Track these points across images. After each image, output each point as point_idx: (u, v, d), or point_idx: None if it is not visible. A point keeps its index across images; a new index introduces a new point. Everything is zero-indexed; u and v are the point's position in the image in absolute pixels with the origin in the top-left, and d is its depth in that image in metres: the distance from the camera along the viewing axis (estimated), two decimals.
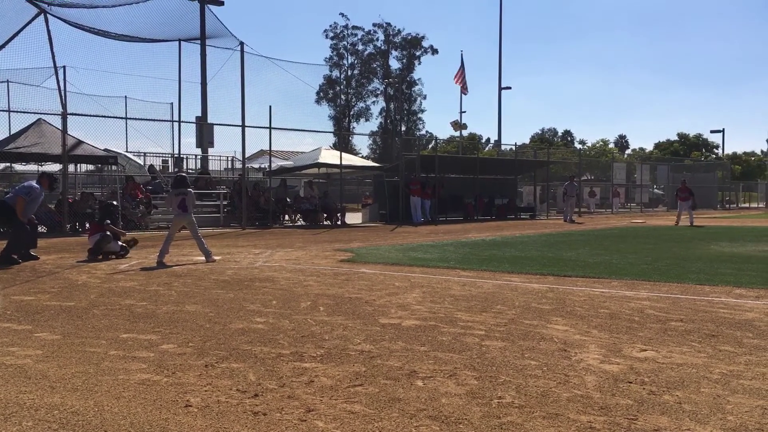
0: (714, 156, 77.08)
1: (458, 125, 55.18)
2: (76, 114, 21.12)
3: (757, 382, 4.13)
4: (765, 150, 70.34)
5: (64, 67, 20.43)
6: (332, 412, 3.63)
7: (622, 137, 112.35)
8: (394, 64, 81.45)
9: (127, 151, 26.74)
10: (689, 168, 55.96)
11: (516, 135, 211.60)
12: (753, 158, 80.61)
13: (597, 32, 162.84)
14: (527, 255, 12.85)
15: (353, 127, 79.12)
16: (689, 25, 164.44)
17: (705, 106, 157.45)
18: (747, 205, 59.62)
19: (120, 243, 12.60)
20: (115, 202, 15.00)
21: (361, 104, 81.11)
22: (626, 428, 3.36)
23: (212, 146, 28.15)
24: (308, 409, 3.68)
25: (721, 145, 77.71)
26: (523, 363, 4.64)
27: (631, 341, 5.28)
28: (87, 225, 18.24)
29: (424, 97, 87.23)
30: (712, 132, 77.46)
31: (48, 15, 19.72)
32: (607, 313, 6.47)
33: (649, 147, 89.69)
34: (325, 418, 3.52)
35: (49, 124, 21.44)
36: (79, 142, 21.54)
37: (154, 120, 26.93)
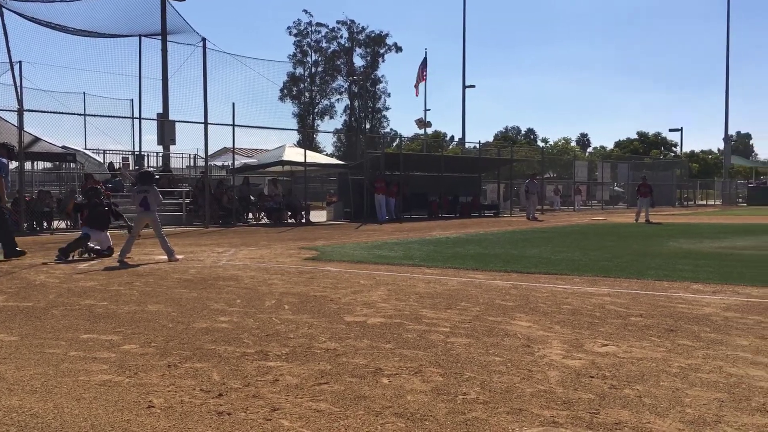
0: (672, 154, 78.66)
1: (423, 123, 55.46)
2: (32, 110, 20.64)
3: (714, 375, 4.23)
4: (721, 148, 71.93)
5: (20, 62, 19.99)
6: (297, 410, 3.62)
7: (583, 136, 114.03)
8: (359, 62, 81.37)
9: (86, 149, 26.25)
10: (649, 166, 57.02)
11: (480, 133, 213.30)
12: (710, 156, 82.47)
13: (560, 33, 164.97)
14: (491, 252, 12.97)
15: (317, 125, 78.82)
16: (651, 27, 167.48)
17: (664, 106, 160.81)
18: (704, 202, 60.97)
19: (109, 244, 12.28)
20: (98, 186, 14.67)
21: (326, 102, 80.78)
22: (588, 422, 3.41)
23: (174, 143, 27.82)
24: (273, 408, 3.65)
25: (679, 144, 79.42)
26: (488, 359, 4.68)
27: (592, 336, 5.37)
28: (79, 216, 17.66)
29: (389, 95, 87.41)
30: (670, 131, 79.00)
31: (3, 9, 19.24)
32: (570, 309, 6.56)
33: (609, 145, 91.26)
34: (290, 417, 3.50)
35: (5, 120, 20.92)
36: (36, 139, 21.08)
37: (113, 117, 26.49)
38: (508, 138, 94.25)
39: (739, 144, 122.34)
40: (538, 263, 10.78)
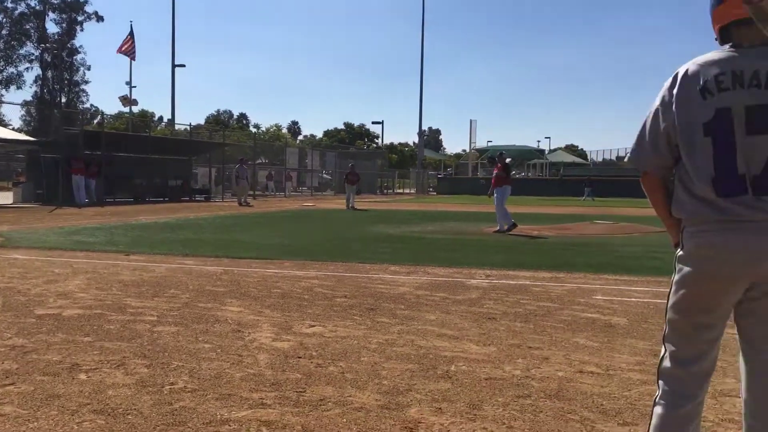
0: (375, 145, 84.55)
1: (128, 101, 52.06)
2: None
3: (407, 349, 4.65)
4: (416, 142, 79.21)
5: None
6: None
7: (294, 123, 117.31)
8: (52, 28, 73.55)
9: None
10: (354, 155, 60.57)
11: (191, 115, 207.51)
12: (407, 149, 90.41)
13: (272, 19, 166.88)
14: (202, 237, 12.72)
15: (2, 95, 69.72)
16: (358, 22, 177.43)
17: (368, 99, 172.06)
18: (401, 191, 66.67)
19: None
20: None
21: (12, 70, 71.65)
22: (295, 401, 3.53)
23: None
24: None
25: (380, 136, 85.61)
26: (197, 347, 4.58)
27: (301, 318, 5.56)
28: None
29: (89, 68, 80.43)
30: (373, 123, 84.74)
31: None
32: (280, 293, 6.72)
33: (319, 134, 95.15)
34: None
35: None
36: None
37: None
38: (220, 122, 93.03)
39: (431, 138, 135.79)
40: (249, 248, 10.84)
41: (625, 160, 2.38)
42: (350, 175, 27.95)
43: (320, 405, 3.48)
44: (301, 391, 3.69)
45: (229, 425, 3.18)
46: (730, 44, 2.21)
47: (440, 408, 3.47)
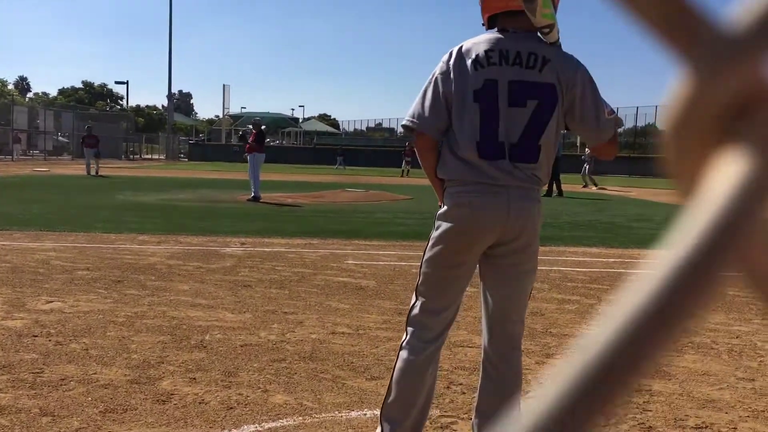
0: (119, 107, 79.03)
1: None
2: None
3: (158, 320, 4.48)
4: (166, 105, 75.48)
5: None
6: None
7: (23, 79, 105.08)
8: None
9: None
10: (95, 117, 56.05)
11: None
12: (155, 112, 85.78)
13: None
14: None
15: None
16: None
17: (110, 57, 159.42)
18: (150, 156, 63.25)
19: None
20: None
21: None
22: (32, 383, 3.23)
23: None
24: None
25: (125, 97, 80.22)
26: None
27: (36, 294, 5.07)
28: None
29: None
30: (116, 83, 79.10)
31: None
32: (10, 267, 6.05)
33: (53, 93, 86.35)
34: None
35: None
36: None
37: None
38: None
39: (181, 102, 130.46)
40: None
41: (404, 122, 2.52)
42: (88, 138, 25.73)
43: (61, 385, 3.23)
44: (38, 372, 3.39)
45: None
46: (497, 29, 2.47)
47: (194, 378, 3.41)
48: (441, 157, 2.46)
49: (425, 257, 2.48)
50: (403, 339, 2.51)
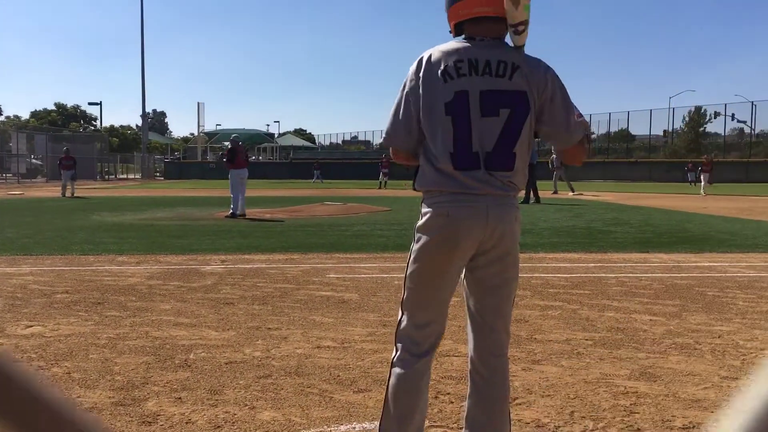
0: (93, 128, 78.30)
1: None
2: None
3: (141, 341, 4.43)
4: (140, 124, 74.97)
5: None
6: None
7: None
8: None
9: None
10: (68, 139, 55.48)
11: None
12: (129, 132, 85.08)
13: None
14: None
15: None
16: None
17: (83, 78, 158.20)
18: (125, 176, 62.68)
19: None
20: None
21: None
22: None
23: None
24: None
25: (99, 118, 79.48)
26: None
27: (15, 319, 4.99)
28: None
29: None
30: (90, 104, 78.53)
31: None
32: None
33: (25, 115, 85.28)
34: None
35: None
36: None
37: None
38: None
39: (156, 121, 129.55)
40: None
41: (381, 141, 2.55)
42: (65, 160, 25.51)
43: None
44: None
45: None
46: (464, 37, 2.45)
47: (180, 398, 3.37)
48: (419, 169, 2.46)
49: (408, 271, 2.47)
50: (393, 355, 2.50)
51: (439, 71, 2.38)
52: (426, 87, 2.39)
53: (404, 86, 2.46)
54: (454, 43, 2.46)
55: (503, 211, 2.37)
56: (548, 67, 2.45)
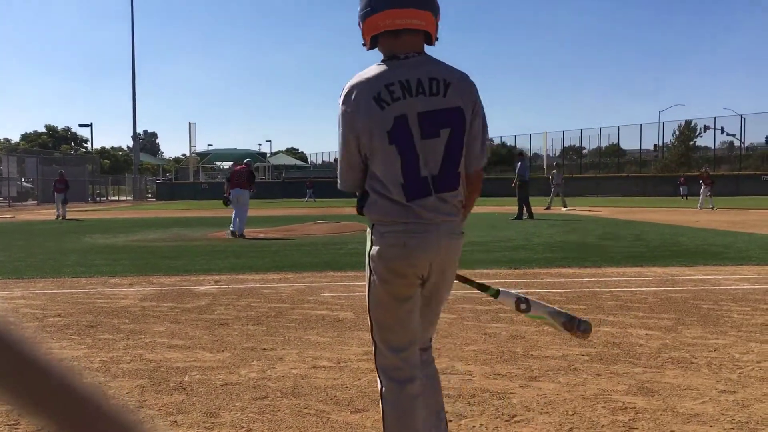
0: (84, 150, 78.20)
1: None
2: None
3: (135, 364, 4.39)
4: (131, 146, 74.91)
5: None
6: None
7: None
8: None
9: None
10: (59, 161, 55.37)
11: None
12: (120, 153, 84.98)
13: None
14: None
15: None
16: (51, 8, 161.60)
17: (73, 100, 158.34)
18: (117, 197, 62.50)
19: None
20: None
21: None
22: None
23: None
24: None
25: (90, 140, 79.40)
26: None
27: None
28: None
29: None
30: (80, 126, 78.38)
31: None
32: None
33: (15, 138, 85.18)
34: None
35: None
36: None
37: None
38: None
39: (147, 142, 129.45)
40: None
41: (339, 187, 2.52)
42: (58, 183, 25.46)
43: None
44: (13, 424, 3.29)
45: None
46: (389, 56, 2.36)
47: (175, 421, 3.34)
48: (368, 199, 2.37)
49: (371, 303, 2.42)
50: (380, 387, 2.46)
51: (372, 99, 2.28)
52: (363, 118, 2.29)
53: (339, 124, 2.36)
54: (377, 67, 2.35)
55: (453, 241, 2.38)
56: (473, 82, 2.41)
